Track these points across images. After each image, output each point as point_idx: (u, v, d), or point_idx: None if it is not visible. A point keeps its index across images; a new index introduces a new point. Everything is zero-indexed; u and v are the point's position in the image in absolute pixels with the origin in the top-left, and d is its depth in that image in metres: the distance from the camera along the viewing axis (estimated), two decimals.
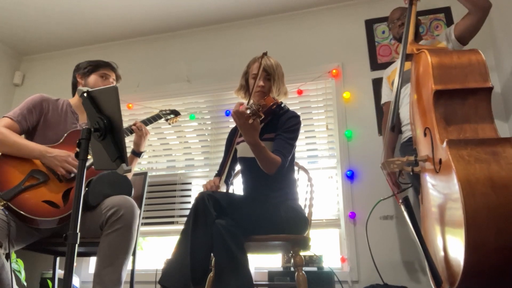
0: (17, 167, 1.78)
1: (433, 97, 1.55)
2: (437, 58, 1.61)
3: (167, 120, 2.46)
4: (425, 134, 1.64)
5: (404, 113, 2.22)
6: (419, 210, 1.87)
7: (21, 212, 1.64)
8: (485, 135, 1.47)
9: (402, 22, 2.27)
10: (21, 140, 1.86)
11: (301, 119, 1.97)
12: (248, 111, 1.61)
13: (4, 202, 1.63)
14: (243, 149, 1.98)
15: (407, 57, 1.88)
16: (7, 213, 1.64)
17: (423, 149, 1.68)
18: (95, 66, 2.11)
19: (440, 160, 1.46)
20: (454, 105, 1.54)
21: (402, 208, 1.73)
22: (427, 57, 1.63)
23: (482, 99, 1.53)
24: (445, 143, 1.41)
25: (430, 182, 1.63)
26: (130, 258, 1.73)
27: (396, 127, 1.99)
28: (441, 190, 1.50)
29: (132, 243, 1.71)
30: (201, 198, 1.66)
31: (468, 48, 1.82)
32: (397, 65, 2.40)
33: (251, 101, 1.93)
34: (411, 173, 1.80)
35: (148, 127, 2.22)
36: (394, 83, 2.06)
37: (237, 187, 2.18)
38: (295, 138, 1.91)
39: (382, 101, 2.52)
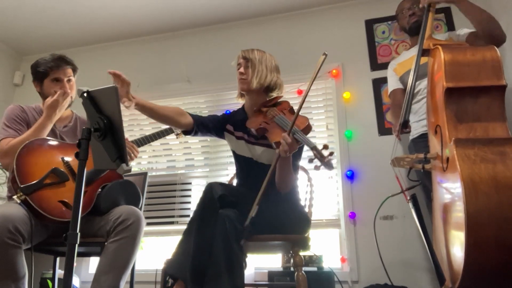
0: (40, 162, 1.78)
1: (444, 95, 1.52)
2: (451, 55, 1.58)
3: (176, 135, 2.30)
4: (435, 132, 1.62)
5: (417, 108, 2.18)
6: (427, 208, 1.84)
7: (37, 209, 1.65)
8: (496, 134, 1.44)
9: (413, 12, 2.22)
10: (25, 133, 1.88)
11: None
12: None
13: (23, 196, 1.64)
14: (243, 148, 1.96)
15: (424, 52, 1.83)
16: (26, 208, 1.64)
17: (434, 146, 1.68)
18: (44, 74, 1.99)
19: (448, 158, 1.45)
20: (465, 103, 1.50)
21: (410, 205, 1.71)
22: (440, 53, 1.60)
23: (495, 98, 1.49)
24: (452, 142, 1.40)
25: (438, 180, 1.62)
26: (130, 269, 1.73)
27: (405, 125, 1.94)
28: (447, 189, 1.50)
29: (135, 254, 1.74)
30: (209, 188, 1.65)
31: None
32: (404, 58, 2.34)
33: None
34: (422, 171, 1.78)
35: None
36: (406, 77, 1.99)
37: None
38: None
39: (390, 90, 2.39)
